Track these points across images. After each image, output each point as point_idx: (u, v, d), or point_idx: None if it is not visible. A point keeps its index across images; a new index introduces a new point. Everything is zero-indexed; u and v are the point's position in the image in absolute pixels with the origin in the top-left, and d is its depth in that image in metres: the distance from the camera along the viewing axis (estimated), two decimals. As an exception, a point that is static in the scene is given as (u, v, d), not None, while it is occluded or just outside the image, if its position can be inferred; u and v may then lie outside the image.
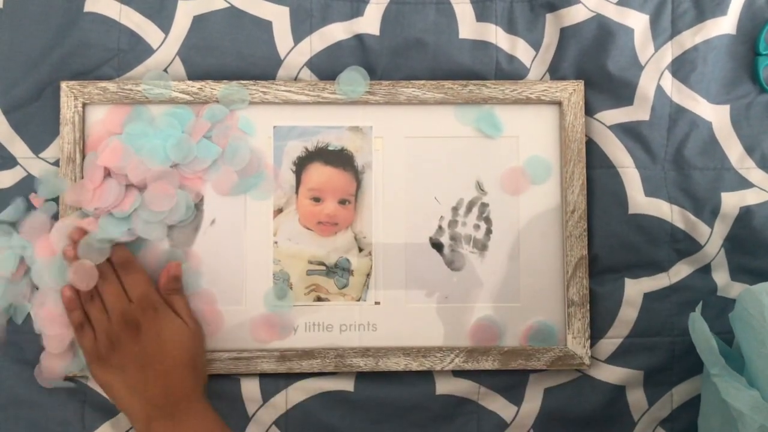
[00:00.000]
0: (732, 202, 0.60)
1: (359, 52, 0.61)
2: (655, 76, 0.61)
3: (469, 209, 0.60)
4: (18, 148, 0.59)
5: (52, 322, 0.55)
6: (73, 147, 0.58)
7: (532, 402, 0.60)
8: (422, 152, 0.60)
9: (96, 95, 0.58)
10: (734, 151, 0.61)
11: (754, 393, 0.46)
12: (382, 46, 0.60)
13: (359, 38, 0.61)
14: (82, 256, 0.53)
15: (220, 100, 0.59)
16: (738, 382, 0.48)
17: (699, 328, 0.52)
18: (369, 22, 0.61)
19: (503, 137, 0.61)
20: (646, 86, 0.60)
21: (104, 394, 0.57)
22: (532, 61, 0.61)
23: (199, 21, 0.60)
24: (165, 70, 0.60)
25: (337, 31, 0.61)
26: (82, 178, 0.58)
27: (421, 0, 0.61)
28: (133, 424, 0.53)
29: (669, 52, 0.61)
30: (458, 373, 0.60)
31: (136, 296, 0.54)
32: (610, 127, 0.61)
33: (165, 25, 0.60)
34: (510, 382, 0.60)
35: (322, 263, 0.60)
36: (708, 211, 0.60)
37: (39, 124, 0.59)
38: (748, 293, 0.50)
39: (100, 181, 0.57)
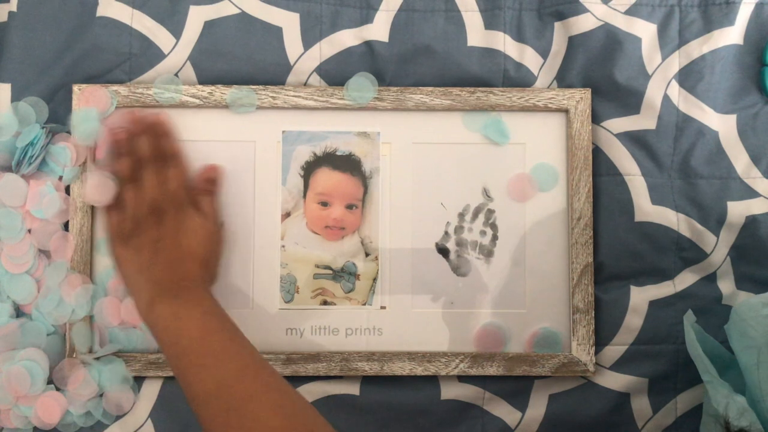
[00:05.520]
0: (738, 211, 0.61)
1: (368, 59, 0.61)
2: (662, 85, 0.61)
3: (475, 215, 0.61)
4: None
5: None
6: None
7: (537, 408, 0.60)
8: (429, 158, 0.61)
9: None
10: (740, 160, 0.61)
11: (740, 399, 0.47)
12: (391, 53, 0.61)
13: (368, 45, 0.61)
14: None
15: (228, 104, 0.59)
16: (725, 388, 0.48)
17: (689, 335, 0.52)
18: (378, 29, 0.61)
19: (510, 144, 0.61)
20: (653, 95, 0.61)
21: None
22: (540, 69, 0.62)
23: (210, 26, 0.61)
24: (176, 75, 0.60)
25: (346, 38, 0.61)
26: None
27: (431, 8, 0.61)
28: (137, 304, 0.53)
29: (676, 62, 0.61)
30: (463, 379, 0.60)
31: (169, 190, 0.56)
32: (617, 136, 0.61)
33: (176, 30, 0.61)
34: (515, 387, 0.60)
35: (328, 267, 0.60)
36: (714, 220, 0.61)
37: (51, 127, 0.60)
38: (746, 305, 0.50)
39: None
